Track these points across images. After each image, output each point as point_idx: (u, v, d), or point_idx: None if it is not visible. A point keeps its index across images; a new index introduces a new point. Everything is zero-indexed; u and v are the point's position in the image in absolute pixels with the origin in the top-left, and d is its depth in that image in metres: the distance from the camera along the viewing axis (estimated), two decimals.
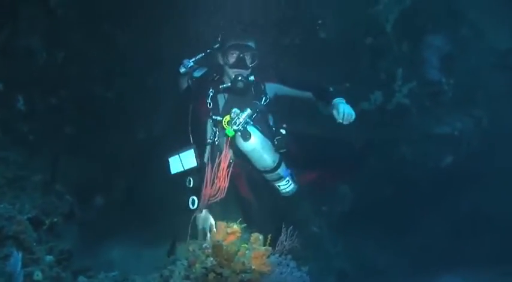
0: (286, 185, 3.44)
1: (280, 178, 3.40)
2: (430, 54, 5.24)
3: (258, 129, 3.21)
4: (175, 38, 4.34)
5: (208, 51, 3.56)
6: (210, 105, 3.39)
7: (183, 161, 3.25)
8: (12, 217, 2.81)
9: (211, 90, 3.42)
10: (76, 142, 4.15)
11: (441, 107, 5.32)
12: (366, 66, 5.16)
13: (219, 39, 3.45)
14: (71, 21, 4.09)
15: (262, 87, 3.50)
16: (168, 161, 3.31)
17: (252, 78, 3.37)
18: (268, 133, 3.33)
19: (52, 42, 4.00)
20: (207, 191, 2.72)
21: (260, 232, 3.27)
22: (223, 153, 2.70)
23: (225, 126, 3.19)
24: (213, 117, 3.36)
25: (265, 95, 3.48)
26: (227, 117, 3.21)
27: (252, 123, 3.19)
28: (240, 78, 3.30)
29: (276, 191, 3.49)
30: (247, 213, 3.60)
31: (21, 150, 3.65)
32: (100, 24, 4.29)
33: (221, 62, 3.43)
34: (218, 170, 2.67)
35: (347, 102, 3.28)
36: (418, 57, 5.25)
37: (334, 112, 3.21)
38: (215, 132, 3.39)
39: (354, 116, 3.18)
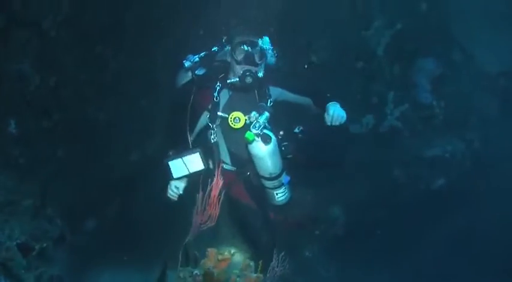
0: (282, 194, 3.37)
1: (280, 186, 3.34)
2: (421, 77, 5.29)
3: (273, 133, 3.14)
4: (169, 59, 4.35)
5: (213, 49, 3.49)
6: (217, 98, 3.35)
7: (187, 165, 3.18)
8: (1, 243, 2.79)
9: (218, 84, 3.38)
10: (67, 165, 4.11)
11: (433, 130, 5.35)
12: (357, 90, 5.20)
13: (225, 39, 3.42)
14: (63, 43, 4.09)
15: (266, 89, 3.44)
16: (168, 165, 3.22)
17: (260, 74, 3.31)
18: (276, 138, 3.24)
19: (44, 65, 3.99)
20: (197, 217, 2.69)
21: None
22: (215, 180, 2.68)
23: (231, 124, 3.11)
24: (218, 113, 3.30)
25: (270, 97, 3.42)
26: (234, 114, 3.12)
27: (269, 127, 3.12)
28: (248, 73, 3.24)
29: (271, 198, 3.41)
30: (250, 220, 3.55)
31: (11, 174, 3.61)
32: (93, 46, 4.30)
33: (228, 59, 3.40)
34: (209, 197, 2.65)
35: (342, 107, 3.24)
36: (409, 81, 5.30)
37: (325, 115, 3.18)
38: (213, 129, 3.36)
39: (344, 118, 3.15)
